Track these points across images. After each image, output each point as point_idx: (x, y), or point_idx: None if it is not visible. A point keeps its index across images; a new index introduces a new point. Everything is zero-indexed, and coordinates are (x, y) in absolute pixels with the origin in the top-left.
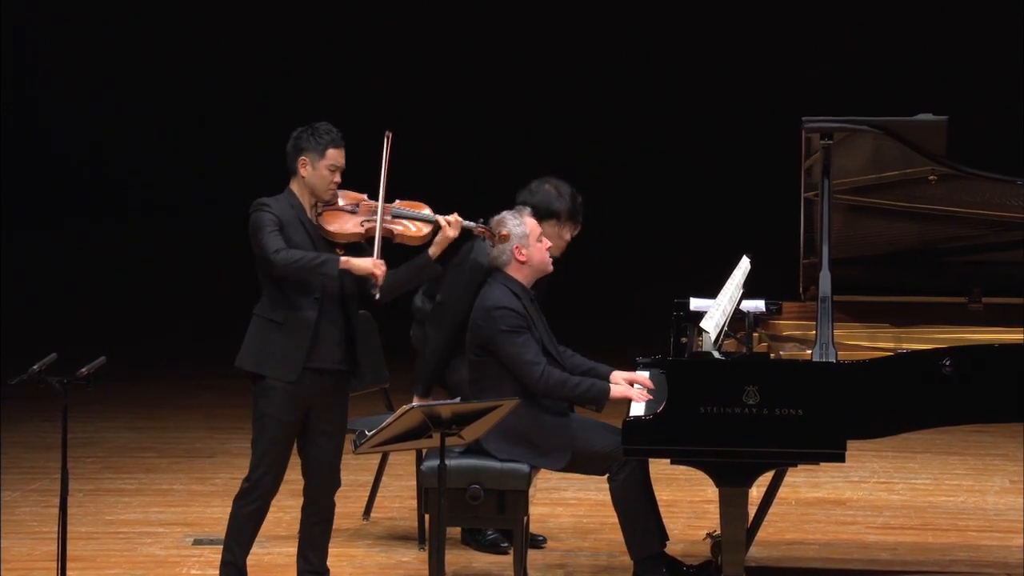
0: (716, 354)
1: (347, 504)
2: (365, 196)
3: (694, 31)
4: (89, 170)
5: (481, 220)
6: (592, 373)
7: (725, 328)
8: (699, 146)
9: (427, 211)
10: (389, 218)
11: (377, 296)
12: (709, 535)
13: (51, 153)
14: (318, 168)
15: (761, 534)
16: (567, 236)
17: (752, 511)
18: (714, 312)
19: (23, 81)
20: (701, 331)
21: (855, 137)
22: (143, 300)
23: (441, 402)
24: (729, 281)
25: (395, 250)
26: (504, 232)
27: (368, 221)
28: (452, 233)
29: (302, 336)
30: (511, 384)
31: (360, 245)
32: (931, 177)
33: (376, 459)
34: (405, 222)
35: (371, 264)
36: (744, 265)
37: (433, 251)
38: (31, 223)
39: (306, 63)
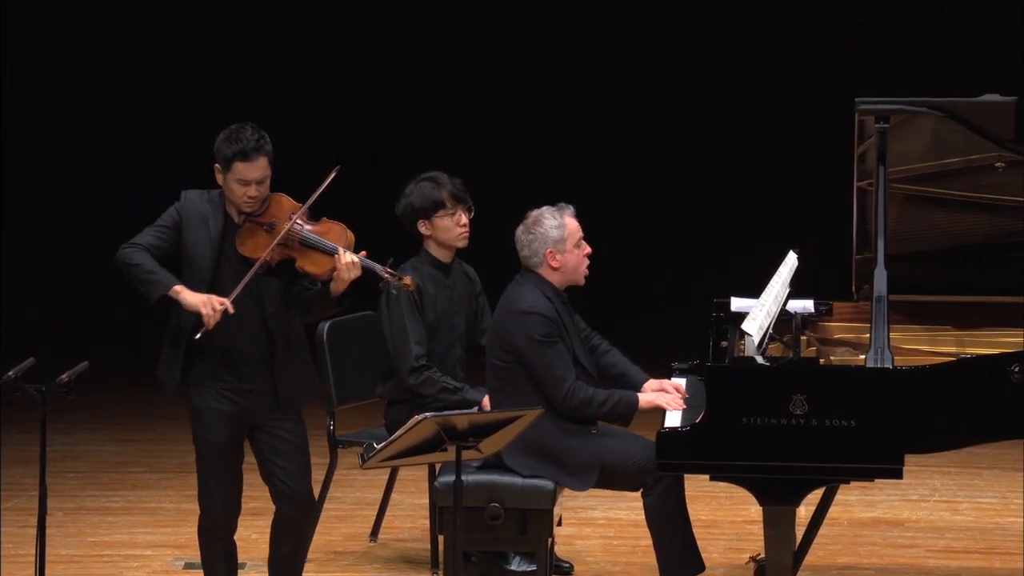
0: (759, 360)
1: (353, 524)
2: (297, 208)
3: (734, 12)
4: (79, 158)
5: (391, 260)
6: (623, 379)
7: (770, 331)
8: (741, 131)
9: (340, 243)
10: (296, 244)
11: (197, 337)
12: (752, 559)
13: (39, 141)
14: (227, 181)
15: (810, 558)
16: (464, 220)
17: (800, 532)
18: (757, 313)
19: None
20: (743, 334)
21: (913, 120)
22: (130, 299)
23: (457, 412)
24: (774, 279)
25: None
26: (407, 280)
27: (280, 247)
28: (346, 275)
29: (180, 343)
30: (536, 393)
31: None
32: (998, 164)
33: (384, 475)
34: (310, 252)
35: (201, 302)
36: (791, 261)
37: (334, 287)
38: (14, 212)
39: (300, 57)
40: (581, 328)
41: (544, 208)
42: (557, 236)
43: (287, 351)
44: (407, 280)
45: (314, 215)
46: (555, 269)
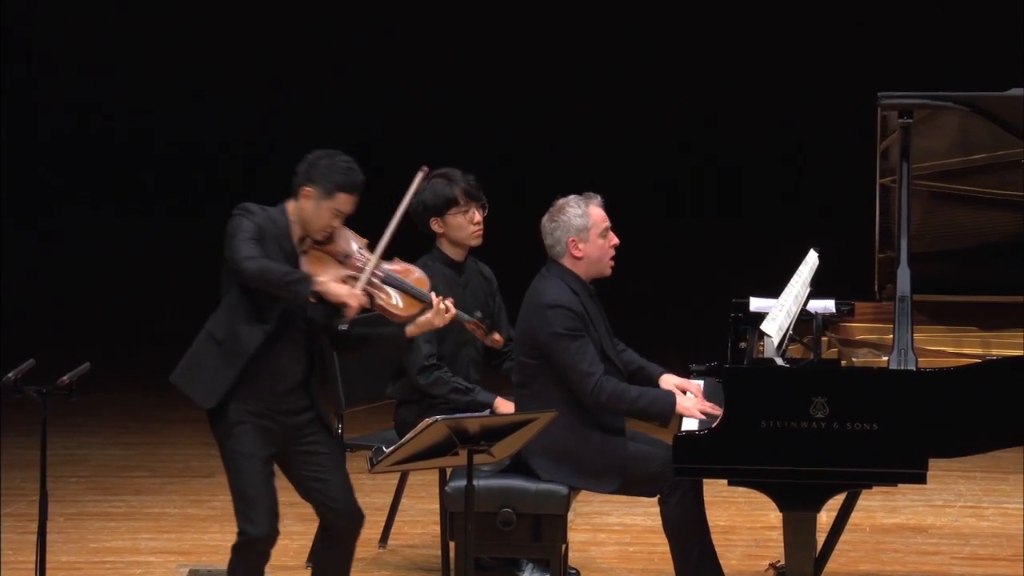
0: (779, 361)
1: (362, 530)
2: (364, 243)
3: (754, 8)
4: (83, 154)
5: (477, 314)
6: (641, 375)
7: (790, 332)
8: (762, 126)
9: (424, 288)
10: (379, 279)
11: (344, 328)
12: (772, 566)
13: (39, 139)
14: (321, 207)
15: (831, 565)
16: (478, 218)
17: (821, 539)
18: (777, 313)
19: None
20: (762, 335)
21: (938, 115)
22: (133, 299)
23: (469, 414)
24: (794, 278)
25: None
26: (497, 337)
27: (353, 279)
28: (439, 322)
29: (235, 363)
30: (562, 390)
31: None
32: None
33: (394, 479)
34: (391, 291)
35: (347, 292)
36: (811, 260)
37: (411, 331)
38: (14, 211)
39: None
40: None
41: (571, 196)
42: (580, 224)
43: (321, 377)
44: (497, 336)
45: (386, 253)
46: (578, 259)
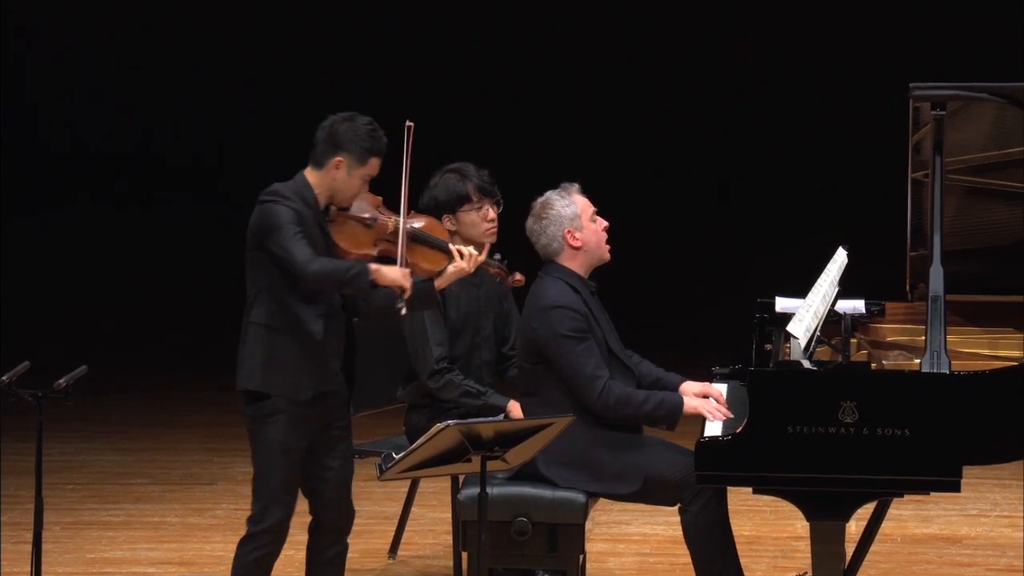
0: (806, 364)
1: (371, 540)
2: (380, 201)
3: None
4: (77, 152)
5: (497, 256)
6: (659, 385)
7: (817, 333)
8: (789, 120)
9: (445, 238)
10: (408, 240)
11: (404, 311)
12: None
13: (36, 138)
14: (353, 175)
15: None
16: (492, 215)
17: (850, 550)
18: (804, 314)
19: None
20: (789, 336)
21: (973, 107)
22: (132, 300)
23: (482, 419)
24: (822, 277)
25: None
26: (519, 276)
27: (384, 241)
28: (470, 268)
29: (314, 351)
30: (567, 395)
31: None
32: None
33: (404, 487)
34: (421, 247)
35: (400, 275)
36: (840, 258)
37: (440, 283)
38: (12, 211)
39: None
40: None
41: (549, 193)
42: (571, 214)
43: (354, 351)
44: (519, 276)
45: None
46: (577, 249)
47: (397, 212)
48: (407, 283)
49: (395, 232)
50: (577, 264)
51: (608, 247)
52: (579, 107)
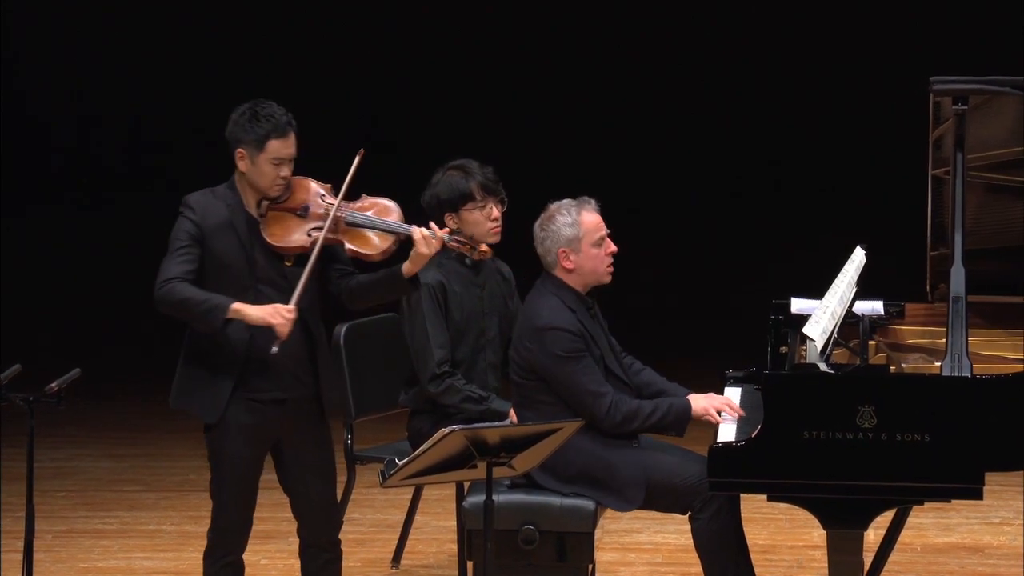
0: (823, 367)
1: (373, 549)
2: (328, 188)
3: None
4: (70, 152)
5: (458, 233)
6: (662, 396)
7: (834, 335)
8: (805, 117)
9: (394, 219)
10: (343, 226)
11: (274, 351)
12: None
13: (32, 138)
14: (258, 163)
15: None
16: (496, 214)
17: (868, 559)
18: (821, 315)
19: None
20: (805, 339)
21: (996, 101)
22: (127, 301)
23: (488, 424)
24: (839, 278)
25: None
26: (484, 248)
27: (316, 230)
28: (426, 250)
29: (231, 364)
30: (564, 411)
31: (308, 257)
32: None
33: (408, 494)
34: (366, 231)
35: (269, 314)
36: (858, 258)
37: (407, 268)
38: (5, 210)
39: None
40: (613, 343)
41: (564, 201)
42: (570, 235)
43: (326, 351)
44: (484, 247)
45: (349, 194)
46: (569, 271)
47: (344, 198)
48: (278, 321)
49: (327, 217)
50: (573, 280)
51: (610, 271)
52: (590, 105)
